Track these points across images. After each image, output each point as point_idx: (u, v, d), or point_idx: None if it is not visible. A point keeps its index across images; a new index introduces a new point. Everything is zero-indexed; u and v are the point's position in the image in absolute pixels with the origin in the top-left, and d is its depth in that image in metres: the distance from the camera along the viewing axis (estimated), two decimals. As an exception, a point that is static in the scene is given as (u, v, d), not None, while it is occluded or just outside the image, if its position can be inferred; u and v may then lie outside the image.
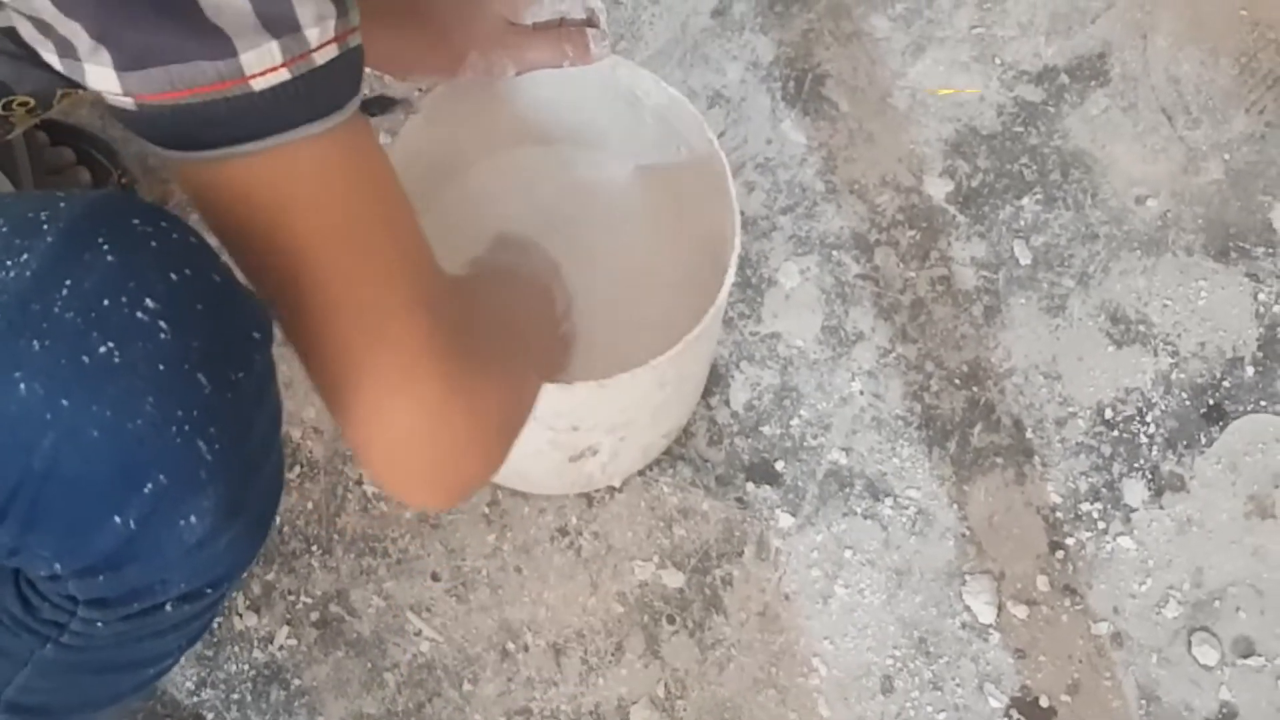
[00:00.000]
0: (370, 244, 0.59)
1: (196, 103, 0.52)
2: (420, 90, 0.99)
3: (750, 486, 1.05)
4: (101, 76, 0.51)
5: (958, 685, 0.99)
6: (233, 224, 0.57)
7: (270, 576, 1.00)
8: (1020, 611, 1.02)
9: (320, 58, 0.53)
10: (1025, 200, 1.19)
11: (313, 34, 0.53)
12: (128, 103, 0.52)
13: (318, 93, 0.54)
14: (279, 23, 0.51)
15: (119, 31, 0.50)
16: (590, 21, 0.96)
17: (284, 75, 0.52)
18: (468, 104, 0.99)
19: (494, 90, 0.98)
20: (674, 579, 1.02)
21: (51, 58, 0.53)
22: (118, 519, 0.53)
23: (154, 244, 0.53)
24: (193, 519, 0.54)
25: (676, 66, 1.24)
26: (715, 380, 1.09)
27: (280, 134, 0.54)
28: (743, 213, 1.14)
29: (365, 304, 0.58)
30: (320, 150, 0.55)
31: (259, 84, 0.52)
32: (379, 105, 0.65)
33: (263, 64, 0.52)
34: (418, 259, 0.61)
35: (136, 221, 0.53)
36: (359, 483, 1.04)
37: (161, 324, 0.52)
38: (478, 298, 0.75)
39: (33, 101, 0.68)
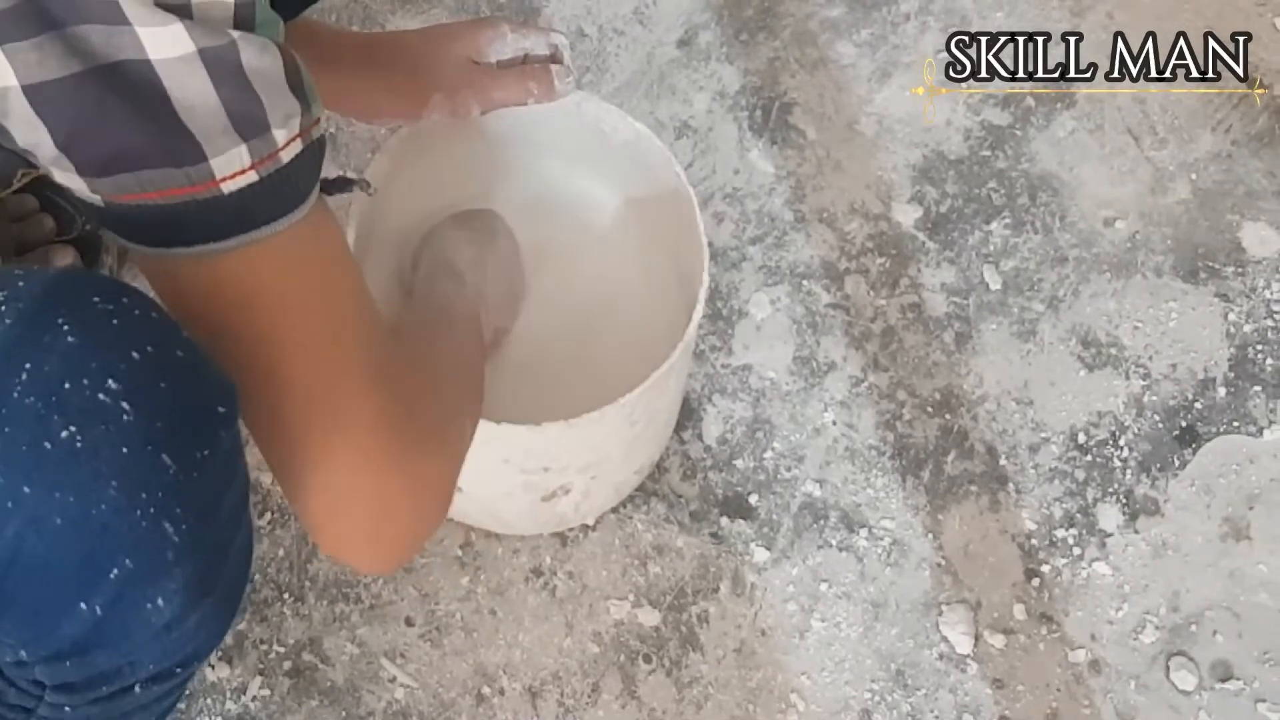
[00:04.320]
0: (327, 327, 0.60)
1: (165, 204, 0.52)
2: (388, 130, 0.99)
3: (725, 521, 1.05)
4: (68, 179, 0.52)
5: (936, 717, 0.99)
6: (195, 313, 0.57)
7: (242, 626, 0.99)
8: (997, 641, 1.01)
9: (286, 155, 0.55)
10: (994, 225, 1.19)
11: (280, 134, 0.54)
12: (95, 199, 0.53)
13: (284, 189, 0.55)
14: (249, 124, 0.52)
15: (89, 138, 0.50)
16: (554, 58, 0.96)
17: (252, 177, 0.54)
18: (434, 146, 0.99)
19: (460, 130, 0.98)
20: (650, 617, 1.01)
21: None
22: (84, 605, 0.53)
23: (115, 322, 0.52)
24: (160, 601, 0.54)
25: (643, 97, 1.23)
26: (687, 414, 1.09)
27: (247, 233, 0.55)
28: (712, 244, 1.14)
29: (321, 386, 0.59)
30: (284, 244, 0.57)
31: (228, 186, 0.53)
32: (337, 186, 0.65)
33: (232, 168, 0.53)
34: (371, 336, 0.63)
35: (97, 299, 0.53)
36: (330, 527, 1.03)
37: (124, 405, 0.51)
38: (421, 359, 0.75)
39: None
